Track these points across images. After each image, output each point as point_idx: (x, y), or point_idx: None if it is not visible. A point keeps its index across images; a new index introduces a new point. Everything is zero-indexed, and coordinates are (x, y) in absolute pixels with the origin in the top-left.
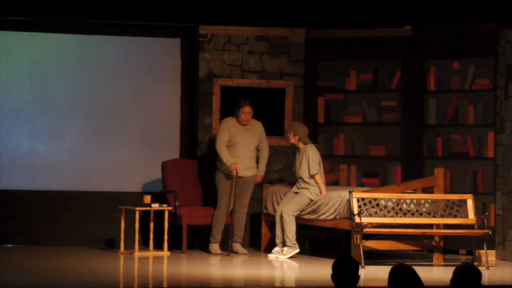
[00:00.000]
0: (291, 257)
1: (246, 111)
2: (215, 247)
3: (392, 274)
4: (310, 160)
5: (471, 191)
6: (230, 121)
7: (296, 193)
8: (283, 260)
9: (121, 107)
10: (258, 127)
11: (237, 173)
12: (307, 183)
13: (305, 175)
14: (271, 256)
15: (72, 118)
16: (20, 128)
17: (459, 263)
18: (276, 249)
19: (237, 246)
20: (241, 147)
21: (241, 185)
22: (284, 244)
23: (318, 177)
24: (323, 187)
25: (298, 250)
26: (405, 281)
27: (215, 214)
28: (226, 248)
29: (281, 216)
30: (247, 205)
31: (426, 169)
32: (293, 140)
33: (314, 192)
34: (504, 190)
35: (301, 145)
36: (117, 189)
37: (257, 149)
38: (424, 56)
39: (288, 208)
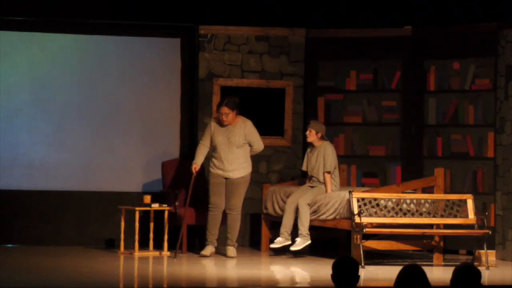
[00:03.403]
0: (291, 257)
1: (223, 112)
2: (206, 248)
3: (402, 274)
4: (326, 156)
5: (471, 191)
6: (214, 122)
7: (312, 187)
8: (296, 250)
9: (121, 107)
10: (242, 126)
11: (194, 175)
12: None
13: (319, 173)
14: (273, 246)
15: (72, 118)
16: (20, 128)
17: (459, 263)
18: (279, 239)
19: (228, 249)
20: (222, 148)
21: (228, 186)
22: (290, 235)
23: (328, 176)
24: (329, 186)
25: (310, 242)
26: (414, 282)
27: (207, 215)
28: (223, 249)
29: (298, 206)
30: (238, 207)
31: (426, 169)
32: (314, 137)
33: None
34: (504, 190)
35: (320, 143)
36: (117, 189)
37: (250, 146)
38: (424, 56)
39: (305, 198)
